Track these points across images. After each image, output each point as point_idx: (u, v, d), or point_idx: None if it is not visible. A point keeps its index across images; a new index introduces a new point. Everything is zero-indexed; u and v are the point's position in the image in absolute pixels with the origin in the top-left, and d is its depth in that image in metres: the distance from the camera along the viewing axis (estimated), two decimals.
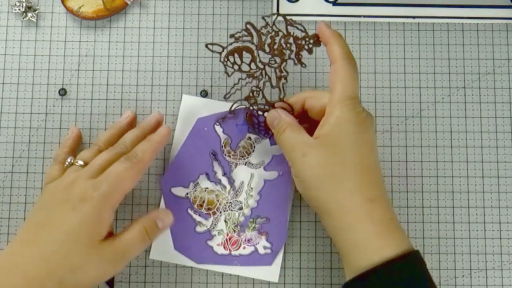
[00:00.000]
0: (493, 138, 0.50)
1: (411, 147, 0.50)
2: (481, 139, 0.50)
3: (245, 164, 0.49)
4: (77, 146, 0.49)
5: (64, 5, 0.51)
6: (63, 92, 0.50)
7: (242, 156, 0.49)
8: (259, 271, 0.48)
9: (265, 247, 0.48)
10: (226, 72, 0.44)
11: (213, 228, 0.48)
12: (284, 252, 0.48)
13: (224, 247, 0.48)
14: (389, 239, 0.39)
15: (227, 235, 0.48)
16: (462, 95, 0.51)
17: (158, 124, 0.48)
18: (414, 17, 0.52)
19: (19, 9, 0.50)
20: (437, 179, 0.50)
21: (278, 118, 0.44)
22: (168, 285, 0.48)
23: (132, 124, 0.49)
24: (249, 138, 0.49)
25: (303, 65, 0.44)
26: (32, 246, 0.40)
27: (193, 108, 0.49)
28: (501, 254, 0.49)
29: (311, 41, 0.43)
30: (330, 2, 0.52)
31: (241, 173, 0.49)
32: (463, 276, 0.49)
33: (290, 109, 0.45)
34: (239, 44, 0.43)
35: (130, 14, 0.51)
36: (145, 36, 0.51)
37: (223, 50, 0.44)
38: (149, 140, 0.45)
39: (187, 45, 0.51)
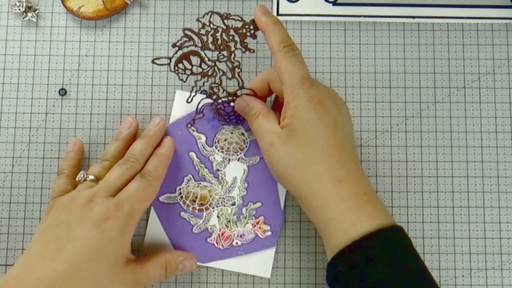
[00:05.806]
0: (493, 138, 0.50)
1: (411, 147, 0.50)
2: (481, 139, 0.50)
3: (238, 160, 0.49)
4: (81, 158, 0.49)
5: (64, 5, 0.51)
6: (63, 92, 0.50)
7: (235, 152, 0.49)
8: (256, 265, 0.48)
9: (265, 231, 0.48)
10: (180, 79, 0.45)
11: (206, 223, 0.48)
12: (284, 252, 0.49)
13: (217, 243, 0.48)
14: (362, 213, 0.40)
15: (220, 230, 0.48)
16: (462, 95, 0.51)
17: (162, 129, 0.48)
18: (414, 17, 0.52)
19: (19, 9, 0.50)
20: (437, 179, 0.50)
21: (246, 106, 0.45)
22: (168, 285, 0.48)
23: (135, 132, 0.49)
24: (242, 133, 0.49)
25: (251, 51, 0.44)
26: (56, 263, 0.40)
27: (186, 103, 0.49)
28: (501, 254, 0.49)
29: (251, 27, 0.44)
30: (330, 2, 0.52)
31: (234, 168, 0.49)
32: (463, 276, 0.49)
33: (253, 94, 0.46)
34: (184, 50, 0.44)
35: (130, 14, 0.51)
36: (145, 36, 0.51)
37: (170, 61, 0.44)
38: (157, 155, 0.46)
39: None
